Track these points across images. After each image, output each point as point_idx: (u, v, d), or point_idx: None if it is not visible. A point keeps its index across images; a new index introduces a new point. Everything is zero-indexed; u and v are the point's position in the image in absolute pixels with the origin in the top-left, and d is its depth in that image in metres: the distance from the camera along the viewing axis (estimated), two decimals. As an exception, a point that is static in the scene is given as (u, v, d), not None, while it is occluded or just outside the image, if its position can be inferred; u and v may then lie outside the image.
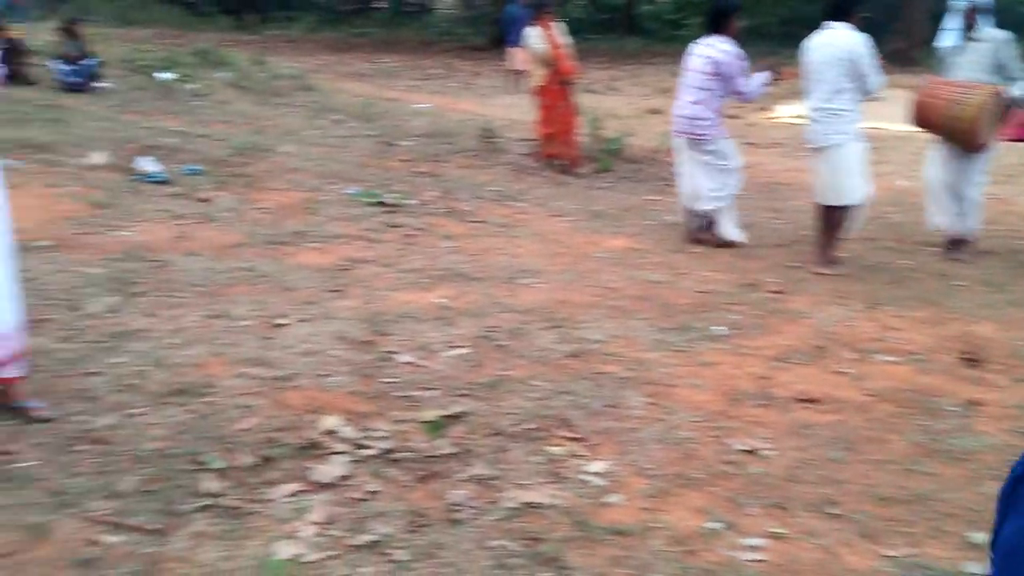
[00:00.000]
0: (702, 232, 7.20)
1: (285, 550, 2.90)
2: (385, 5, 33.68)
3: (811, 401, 4.27)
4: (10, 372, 3.65)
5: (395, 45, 26.18)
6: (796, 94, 6.71)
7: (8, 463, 3.28)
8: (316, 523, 3.06)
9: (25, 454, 3.35)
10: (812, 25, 6.57)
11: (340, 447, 3.54)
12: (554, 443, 3.71)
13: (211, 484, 3.23)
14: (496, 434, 3.74)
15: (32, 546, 2.85)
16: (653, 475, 3.51)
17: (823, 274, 6.45)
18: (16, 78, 11.74)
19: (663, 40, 25.67)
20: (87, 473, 3.26)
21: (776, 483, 3.51)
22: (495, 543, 3.02)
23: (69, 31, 13.05)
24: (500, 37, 19.98)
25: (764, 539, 3.13)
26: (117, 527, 2.96)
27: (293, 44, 25.24)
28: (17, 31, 13.06)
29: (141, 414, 3.73)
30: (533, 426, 3.82)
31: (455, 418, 3.83)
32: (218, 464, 3.34)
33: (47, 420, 3.61)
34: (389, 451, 3.55)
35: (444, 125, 12.69)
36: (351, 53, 23.60)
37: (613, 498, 3.34)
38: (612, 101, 16.06)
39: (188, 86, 13.82)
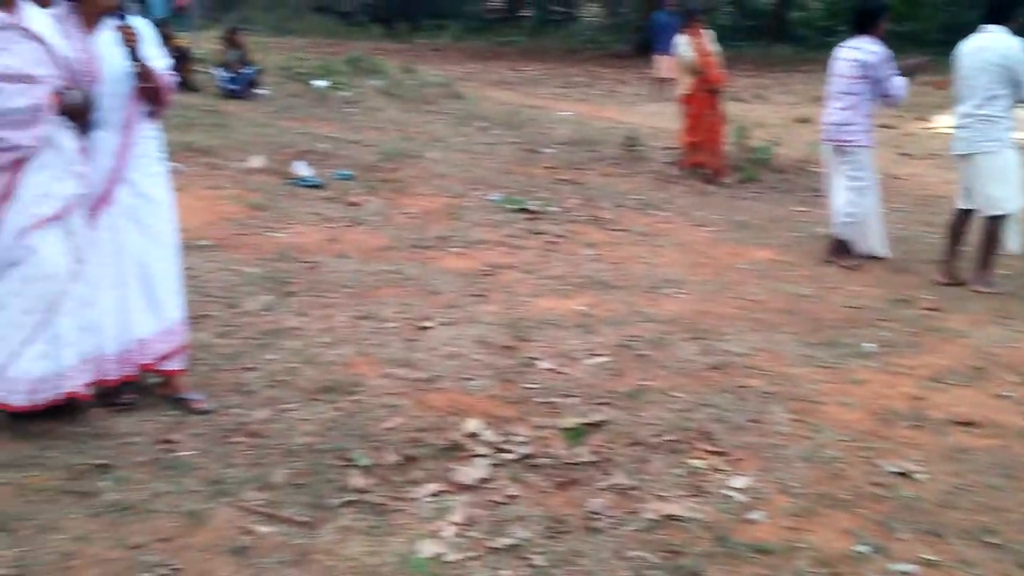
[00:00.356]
0: (835, 252, 6.87)
1: (427, 549, 2.95)
2: (531, 14, 33.96)
3: (969, 424, 4.06)
4: (174, 365, 3.85)
5: (540, 53, 26.37)
6: (954, 103, 6.39)
7: (169, 452, 3.45)
8: (457, 524, 3.10)
9: (185, 444, 3.52)
10: (972, 31, 6.27)
11: (481, 450, 3.58)
12: (695, 456, 3.66)
13: (358, 480, 3.32)
14: (636, 444, 3.72)
15: (191, 532, 3.00)
16: (798, 493, 3.42)
17: (981, 292, 6.15)
18: (182, 85, 12.38)
19: (814, 47, 24.95)
20: (242, 464, 3.40)
21: (929, 508, 3.36)
22: (634, 554, 3.00)
23: (231, 40, 13.68)
24: (645, 44, 19.88)
25: (916, 566, 3.00)
26: (269, 518, 3.08)
27: (441, 52, 25.74)
28: (183, 40, 13.77)
29: (292, 409, 3.87)
30: (674, 438, 3.77)
31: (595, 426, 3.83)
32: (365, 461, 3.43)
33: (206, 412, 3.79)
34: (529, 456, 3.57)
35: (587, 133, 12.70)
36: (497, 61, 23.89)
37: (756, 515, 3.26)
38: (760, 110, 15.73)
39: (341, 93, 14.26)
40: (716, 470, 3.56)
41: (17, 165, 3.25)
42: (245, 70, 13.44)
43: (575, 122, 13.72)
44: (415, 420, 3.82)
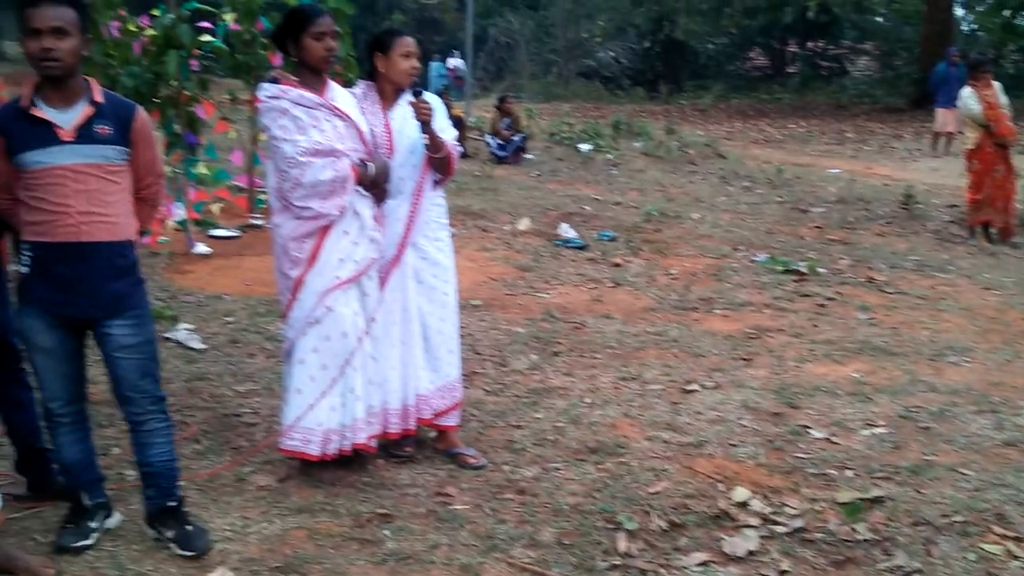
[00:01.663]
0: None
1: (695, 620, 2.89)
2: (797, 69, 33.19)
3: None
4: (449, 420, 4.03)
5: (807, 109, 25.70)
6: None
7: (445, 504, 3.60)
8: (726, 596, 3.02)
9: (459, 497, 3.66)
10: None
11: (751, 520, 3.47)
12: (989, 540, 3.36)
13: (624, 545, 3.31)
14: (921, 524, 3.47)
15: (464, 584, 3.10)
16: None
17: None
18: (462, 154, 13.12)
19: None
20: (512, 521, 3.48)
21: None
22: (920, 645, 2.79)
23: (502, 109, 14.34)
24: (923, 97, 18.89)
25: None
26: (537, 576, 3.13)
27: (703, 112, 25.69)
28: (458, 109, 14.58)
29: (559, 469, 3.93)
30: (964, 519, 3.49)
31: (875, 502, 3.61)
32: (631, 525, 3.42)
33: (478, 467, 3.92)
34: (802, 530, 3.42)
35: (859, 191, 12.20)
36: (761, 119, 23.51)
37: (1062, 612, 2.95)
38: (1054, 162, 14.50)
39: (605, 156, 14.56)
40: (1013, 556, 3.26)
41: (322, 232, 3.55)
42: (515, 136, 14.03)
43: (846, 180, 13.22)
44: (681, 485, 3.77)
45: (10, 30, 30.95)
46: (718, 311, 6.59)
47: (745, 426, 4.43)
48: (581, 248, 8.53)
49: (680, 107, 27.01)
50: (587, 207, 10.64)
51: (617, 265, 7.97)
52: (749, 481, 3.82)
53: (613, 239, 8.96)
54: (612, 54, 33.23)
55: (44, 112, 2.87)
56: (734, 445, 4.20)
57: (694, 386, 4.97)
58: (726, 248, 8.64)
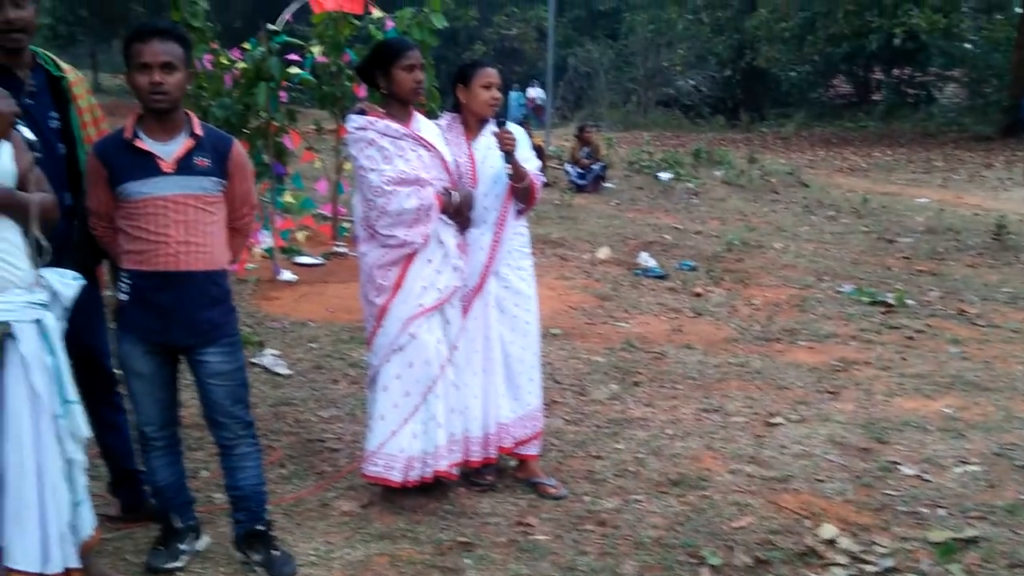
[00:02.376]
0: None
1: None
2: (882, 97, 32.57)
3: None
4: (530, 450, 4.03)
5: (893, 137, 25.18)
6: None
7: (526, 534, 3.59)
8: (813, 636, 2.94)
9: (540, 528, 3.64)
10: None
11: (839, 558, 3.38)
12: (1092, 587, 3.22)
13: (708, 579, 3.26)
14: (1018, 566, 3.34)
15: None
16: None
17: None
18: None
19: None
20: (593, 553, 3.45)
21: None
22: None
23: (582, 137, 14.38)
24: (1013, 125, 18.38)
25: None
26: (619, 609, 3.10)
27: (786, 141, 25.37)
28: (538, 138, 14.67)
29: (641, 501, 3.89)
30: (1064, 563, 3.36)
31: (969, 542, 3.49)
32: (715, 561, 3.36)
33: (558, 497, 3.91)
34: (893, 570, 3.32)
35: (948, 221, 11.90)
36: (846, 147, 23.11)
37: None
38: None
39: (685, 184, 14.46)
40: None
41: (406, 260, 3.60)
42: (594, 165, 14.06)
43: (934, 209, 12.91)
44: (766, 521, 3.70)
45: (106, 62, 32.14)
46: (802, 343, 6.48)
47: (832, 461, 4.33)
48: (661, 277, 8.47)
49: (762, 135, 26.73)
50: (667, 236, 10.59)
51: (698, 295, 7.90)
52: (836, 518, 3.73)
53: (694, 268, 8.88)
54: (692, 82, 33.11)
55: (146, 144, 2.97)
56: (821, 480, 4.11)
57: (778, 419, 4.89)
58: (810, 278, 8.50)
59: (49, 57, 3.22)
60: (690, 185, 14.49)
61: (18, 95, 2.84)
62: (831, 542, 3.50)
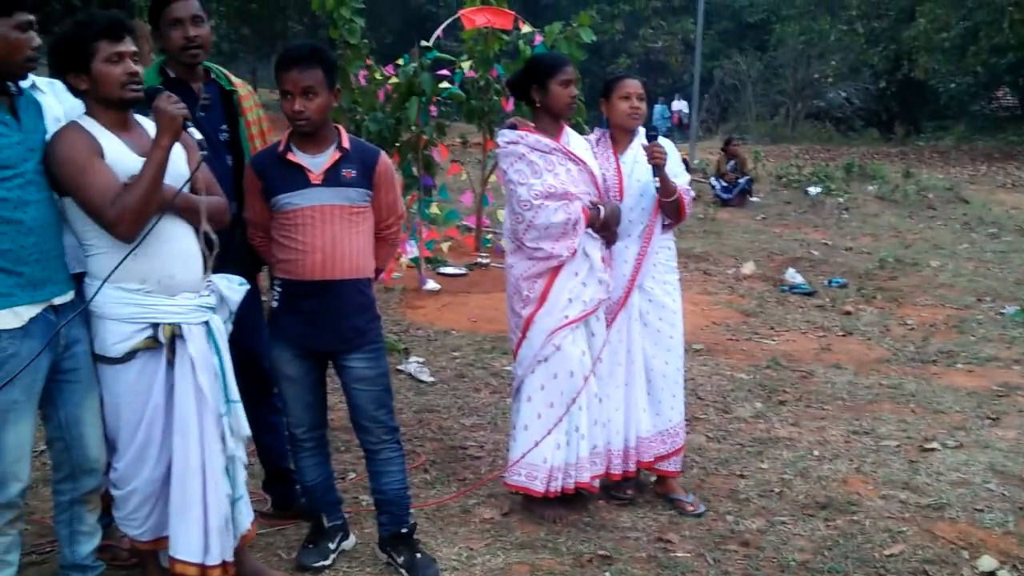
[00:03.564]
0: None
1: None
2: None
3: None
4: (670, 466, 3.98)
5: (1061, 151, 23.79)
6: None
7: (666, 551, 3.54)
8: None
9: (680, 545, 3.60)
10: None
11: (998, 593, 3.22)
12: None
13: (856, 607, 3.15)
14: None
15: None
16: None
17: None
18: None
19: None
20: (735, 573, 3.38)
21: None
22: None
23: (728, 151, 14.16)
24: None
25: None
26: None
27: (943, 155, 24.25)
28: (682, 151, 14.55)
29: (786, 523, 3.79)
30: None
31: None
32: (864, 588, 3.25)
33: (696, 515, 3.85)
34: (1059, 609, 3.14)
35: (1125, 240, 11.18)
36: (1009, 162, 21.90)
37: None
38: None
39: (835, 199, 14.05)
40: None
41: (552, 272, 3.63)
42: (740, 179, 13.82)
43: (1108, 228, 12.15)
44: (920, 549, 3.55)
45: (265, 78, 33.59)
46: (960, 365, 6.20)
47: (992, 490, 4.12)
48: (809, 294, 8.25)
49: (918, 149, 25.66)
50: (815, 252, 10.31)
51: (848, 313, 7.66)
52: (996, 550, 3.54)
53: (844, 286, 8.62)
54: (844, 94, 32.07)
55: (297, 157, 3.10)
56: (979, 510, 3.91)
57: (934, 444, 4.68)
58: (969, 299, 8.13)
59: (222, 72, 3.41)
60: (841, 200, 14.07)
61: (192, 107, 3.00)
62: (990, 574, 3.33)
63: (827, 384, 5.76)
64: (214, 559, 2.85)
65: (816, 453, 4.58)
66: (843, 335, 7.03)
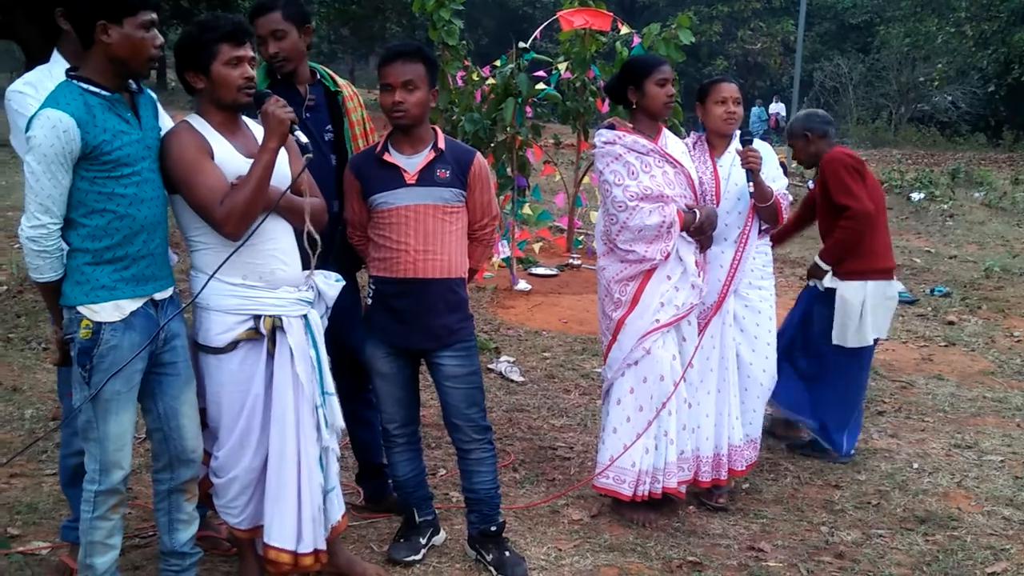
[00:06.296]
0: None
1: None
2: None
3: None
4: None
5: None
6: None
7: (757, 559, 3.49)
8: None
9: (772, 554, 3.53)
10: None
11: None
12: None
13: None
14: None
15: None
16: None
17: None
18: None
19: None
20: (829, 585, 3.32)
21: None
22: None
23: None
24: None
25: None
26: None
27: (1056, 160, 23.34)
28: (779, 154, 14.27)
29: (883, 536, 3.70)
30: None
31: None
32: (964, 606, 3.15)
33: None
34: None
35: None
36: None
37: None
38: None
39: (940, 206, 13.62)
40: None
41: (645, 275, 3.60)
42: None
43: None
44: (1024, 570, 3.42)
45: (363, 78, 34.14)
46: (1071, 381, 5.95)
47: (1109, 512, 3.95)
48: (910, 303, 8.01)
49: (1028, 155, 24.74)
50: (917, 259, 10.01)
51: (951, 323, 7.42)
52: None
53: (947, 295, 8.35)
54: (950, 98, 31.06)
55: (393, 157, 3.14)
56: (1092, 532, 3.76)
57: (1044, 461, 4.51)
58: (1085, 310, 7.79)
59: (327, 73, 3.49)
60: (945, 207, 13.63)
61: (299, 109, 3.07)
62: (1101, 600, 3.20)
63: (928, 395, 5.60)
64: (307, 547, 2.92)
65: (916, 466, 4.46)
66: (945, 345, 6.81)
